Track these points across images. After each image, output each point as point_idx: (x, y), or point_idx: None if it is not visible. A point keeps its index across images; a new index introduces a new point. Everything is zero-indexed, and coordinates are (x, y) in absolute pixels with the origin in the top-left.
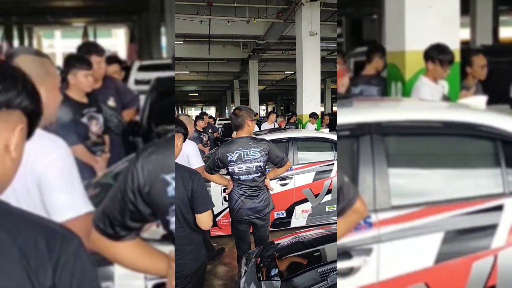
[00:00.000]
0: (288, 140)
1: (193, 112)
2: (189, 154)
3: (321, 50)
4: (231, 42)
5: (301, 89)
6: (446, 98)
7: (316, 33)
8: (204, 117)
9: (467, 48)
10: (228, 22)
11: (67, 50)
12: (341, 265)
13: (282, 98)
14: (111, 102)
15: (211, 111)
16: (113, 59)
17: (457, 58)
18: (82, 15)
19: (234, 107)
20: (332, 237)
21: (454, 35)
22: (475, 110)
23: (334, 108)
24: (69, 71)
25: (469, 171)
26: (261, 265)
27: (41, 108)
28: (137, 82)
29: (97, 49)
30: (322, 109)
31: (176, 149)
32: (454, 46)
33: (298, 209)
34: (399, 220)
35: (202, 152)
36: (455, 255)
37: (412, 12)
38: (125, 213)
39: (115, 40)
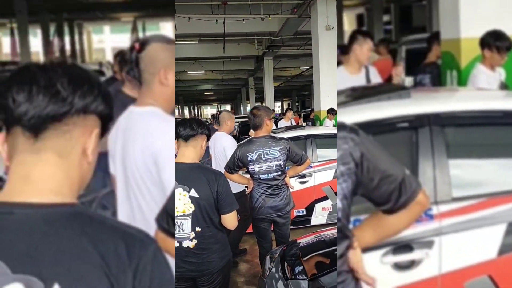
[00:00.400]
0: (307, 137)
1: (209, 110)
2: (226, 147)
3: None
4: (245, 40)
5: (318, 85)
6: (504, 86)
7: (333, 27)
8: None
9: None
10: (243, 20)
11: (117, 45)
12: (401, 258)
13: (298, 94)
14: None
15: (227, 109)
16: None
17: None
18: (130, 9)
19: (248, 104)
20: None
21: (511, 20)
22: None
23: None
24: (123, 68)
25: None
26: (286, 264)
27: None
28: None
29: None
30: None
31: (200, 150)
32: (511, 32)
33: (318, 207)
34: (460, 212)
35: None
36: None
37: None
38: None
39: (163, 33)
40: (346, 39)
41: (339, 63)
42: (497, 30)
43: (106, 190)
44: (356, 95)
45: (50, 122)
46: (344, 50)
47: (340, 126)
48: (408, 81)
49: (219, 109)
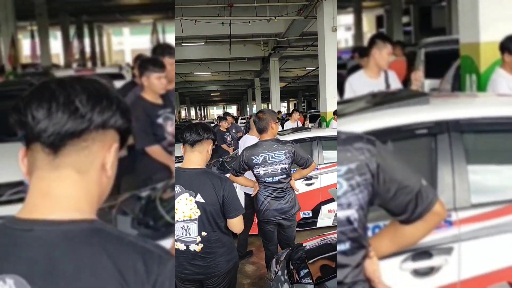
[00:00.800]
0: (313, 139)
1: (215, 111)
2: None
3: None
4: (251, 41)
5: (324, 86)
6: None
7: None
8: (228, 117)
9: None
10: (249, 22)
11: (136, 47)
12: (420, 264)
13: (304, 94)
14: None
15: (233, 109)
16: None
17: None
18: (150, 12)
19: (255, 105)
20: None
21: None
22: None
23: None
24: (143, 73)
25: None
26: (292, 267)
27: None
28: None
29: (170, 51)
30: None
31: (206, 155)
32: None
33: (324, 209)
34: (480, 219)
35: (226, 152)
36: None
37: (486, 1)
38: None
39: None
40: (340, 42)
41: (356, 68)
42: None
43: (126, 195)
44: (375, 101)
45: (69, 139)
46: (362, 53)
47: (357, 137)
48: (429, 84)
49: (225, 110)
